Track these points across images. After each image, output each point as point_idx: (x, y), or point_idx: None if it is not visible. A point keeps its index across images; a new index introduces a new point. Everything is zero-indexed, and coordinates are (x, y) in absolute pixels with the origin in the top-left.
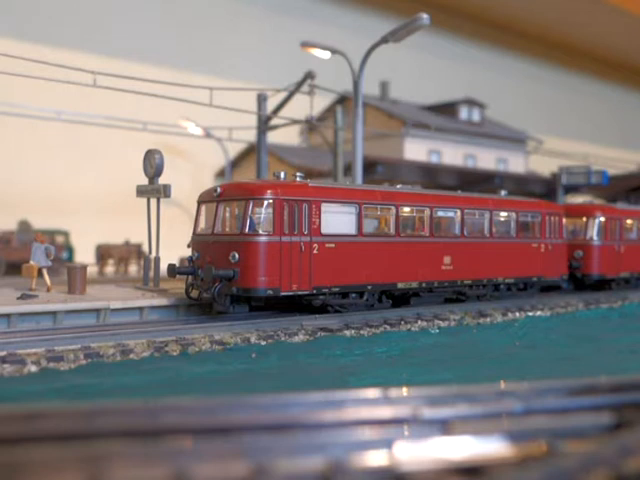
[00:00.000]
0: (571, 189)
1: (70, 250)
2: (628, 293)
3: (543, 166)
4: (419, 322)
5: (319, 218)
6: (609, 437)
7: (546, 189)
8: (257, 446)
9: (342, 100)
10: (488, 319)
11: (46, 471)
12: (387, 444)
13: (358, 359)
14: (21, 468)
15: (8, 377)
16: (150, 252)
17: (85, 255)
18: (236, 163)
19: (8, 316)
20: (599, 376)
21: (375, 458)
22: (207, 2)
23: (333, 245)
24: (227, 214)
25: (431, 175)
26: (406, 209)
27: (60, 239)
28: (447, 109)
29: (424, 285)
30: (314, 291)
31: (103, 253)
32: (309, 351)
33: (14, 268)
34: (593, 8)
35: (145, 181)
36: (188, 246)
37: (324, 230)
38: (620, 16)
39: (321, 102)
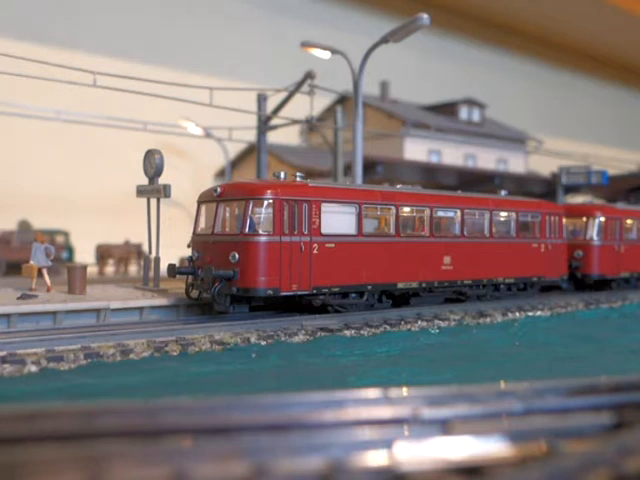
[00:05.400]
0: (571, 189)
1: (70, 250)
2: (628, 293)
3: (543, 166)
4: (419, 322)
5: (319, 218)
6: (609, 437)
7: (546, 189)
8: (257, 446)
9: (342, 100)
10: (488, 319)
11: (46, 471)
12: (387, 444)
13: (358, 359)
14: (21, 468)
15: (8, 377)
16: (150, 252)
17: (85, 255)
18: (236, 163)
19: (8, 316)
20: (599, 376)
21: (375, 458)
22: (207, 2)
23: (333, 245)
24: (227, 214)
25: (431, 175)
26: (406, 209)
27: (60, 239)
28: (447, 109)
29: (424, 285)
30: (314, 291)
31: (103, 253)
32: (309, 351)
33: (14, 268)
34: (593, 8)
35: (145, 181)
36: (188, 246)
37: (324, 230)
38: (620, 16)
39: (321, 102)
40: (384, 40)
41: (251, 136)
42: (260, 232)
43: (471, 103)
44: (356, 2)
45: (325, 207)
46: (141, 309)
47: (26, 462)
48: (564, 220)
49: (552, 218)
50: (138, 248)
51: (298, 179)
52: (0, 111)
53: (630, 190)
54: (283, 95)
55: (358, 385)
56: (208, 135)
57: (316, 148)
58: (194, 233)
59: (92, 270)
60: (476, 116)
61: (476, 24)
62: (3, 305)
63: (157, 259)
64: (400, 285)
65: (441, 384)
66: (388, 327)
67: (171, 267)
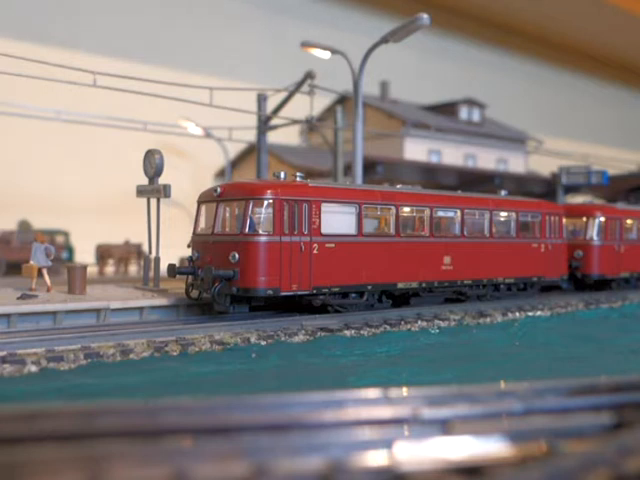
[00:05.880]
0: (571, 189)
1: (70, 250)
2: (628, 293)
3: (543, 166)
4: (419, 322)
5: (319, 218)
6: (609, 437)
7: (546, 189)
8: (257, 446)
9: (342, 100)
10: (488, 319)
11: (46, 471)
12: (387, 444)
13: (358, 359)
14: (21, 468)
15: (8, 377)
16: (150, 252)
17: (85, 255)
18: (236, 163)
19: (8, 316)
20: (599, 376)
21: (375, 458)
22: (207, 2)
23: (333, 245)
24: (227, 214)
25: (431, 175)
26: (406, 209)
27: (60, 239)
28: (447, 109)
29: (424, 285)
30: (314, 291)
31: (103, 253)
32: (309, 351)
33: (14, 268)
34: (593, 8)
35: (145, 181)
36: (188, 246)
37: (324, 230)
38: (620, 16)
39: (321, 102)
40: (384, 40)
41: (251, 136)
42: (260, 232)
43: (471, 103)
44: (356, 2)
45: (325, 207)
46: (141, 309)
47: (26, 462)
48: (564, 220)
49: (552, 218)
50: (138, 248)
51: (298, 179)
52: (0, 111)
53: (630, 190)
54: (283, 95)
55: (358, 385)
56: (208, 135)
57: (316, 148)
58: (194, 233)
59: (92, 270)
60: (476, 116)
61: (476, 24)
62: (3, 305)
63: (157, 259)
64: (400, 285)
65: (441, 384)
66: (388, 327)
67: (171, 267)
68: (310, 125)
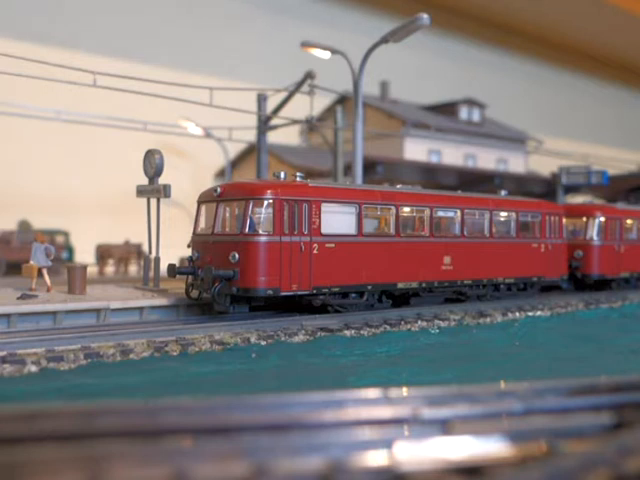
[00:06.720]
0: (571, 189)
1: (70, 250)
2: (628, 293)
3: (543, 166)
4: (419, 322)
5: (319, 218)
6: (609, 437)
7: (546, 189)
8: (257, 446)
9: (342, 100)
10: (488, 319)
11: (46, 471)
12: (387, 444)
13: (358, 359)
14: (21, 468)
15: (8, 377)
16: (150, 252)
17: (85, 255)
18: (236, 163)
19: (8, 316)
20: (599, 376)
21: (375, 458)
22: (207, 2)
23: (333, 245)
24: (227, 214)
25: (431, 175)
26: (406, 209)
27: (60, 239)
28: (447, 109)
29: (424, 285)
30: (314, 291)
31: (103, 253)
32: (309, 351)
33: (14, 268)
34: (593, 8)
35: (145, 181)
36: (188, 246)
37: (324, 230)
38: (620, 16)
39: (321, 102)
40: (384, 40)
41: (251, 136)
42: (260, 232)
43: (471, 103)
44: (356, 2)
45: (325, 207)
46: (141, 309)
47: (26, 462)
48: (564, 220)
49: (552, 218)
50: (138, 248)
51: (298, 179)
52: (0, 111)
53: (630, 190)
54: (283, 95)
55: (358, 385)
56: (208, 135)
57: (316, 148)
58: (194, 233)
59: (92, 270)
60: (476, 116)
61: (476, 24)
62: (3, 305)
63: (157, 259)
64: (400, 285)
65: (441, 384)
66: (388, 327)
67: (171, 267)
68: (310, 125)
